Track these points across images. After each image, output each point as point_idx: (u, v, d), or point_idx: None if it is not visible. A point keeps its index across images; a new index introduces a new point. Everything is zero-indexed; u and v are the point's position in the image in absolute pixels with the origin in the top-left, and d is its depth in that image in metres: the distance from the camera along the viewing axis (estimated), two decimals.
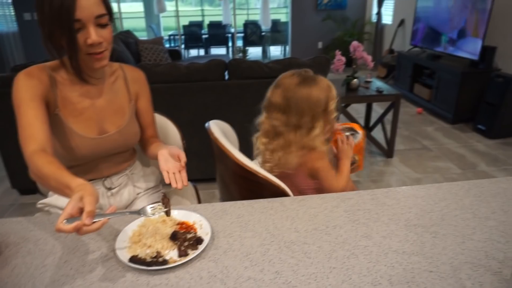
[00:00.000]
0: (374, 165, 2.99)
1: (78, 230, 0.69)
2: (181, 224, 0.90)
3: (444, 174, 2.81)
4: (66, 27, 0.90)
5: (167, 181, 0.96)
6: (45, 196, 1.27)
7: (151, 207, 0.85)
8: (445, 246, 0.80)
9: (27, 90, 0.95)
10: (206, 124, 1.27)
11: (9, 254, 0.81)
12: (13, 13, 6.03)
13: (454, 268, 0.73)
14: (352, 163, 1.27)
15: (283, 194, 1.06)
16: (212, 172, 1.33)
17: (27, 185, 2.55)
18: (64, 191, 0.79)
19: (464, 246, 0.79)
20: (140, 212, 0.84)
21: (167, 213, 0.86)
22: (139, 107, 1.21)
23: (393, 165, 2.99)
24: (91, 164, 1.13)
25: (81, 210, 0.70)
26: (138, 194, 1.26)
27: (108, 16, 0.96)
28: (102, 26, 0.95)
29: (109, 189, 1.18)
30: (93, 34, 0.93)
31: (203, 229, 0.87)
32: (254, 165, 1.08)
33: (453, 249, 0.79)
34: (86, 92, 1.08)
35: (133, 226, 0.88)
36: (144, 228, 0.87)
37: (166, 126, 1.40)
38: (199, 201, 1.39)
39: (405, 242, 0.81)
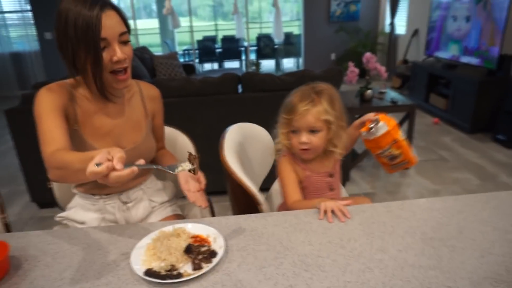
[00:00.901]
0: (390, 177, 2.94)
1: (107, 176, 0.71)
2: (195, 237, 0.90)
3: (463, 185, 2.74)
4: (92, 46, 0.93)
5: (191, 200, 0.99)
6: (63, 209, 1.30)
7: (179, 165, 0.85)
8: (463, 260, 0.78)
9: (48, 102, 0.99)
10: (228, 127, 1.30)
11: (28, 268, 0.83)
12: (35, 33, 6.26)
13: (474, 283, 0.71)
14: (394, 158, 1.09)
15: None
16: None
17: (46, 199, 2.61)
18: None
19: (483, 261, 0.77)
20: (169, 168, 0.85)
21: (194, 171, 0.85)
22: (155, 124, 1.25)
23: (410, 176, 2.93)
24: None
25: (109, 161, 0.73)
26: (153, 208, 1.27)
27: (128, 34, 1.00)
28: (124, 43, 1.00)
29: (125, 203, 1.20)
30: (118, 52, 0.97)
31: (217, 242, 0.87)
32: (238, 169, 1.10)
33: (472, 264, 0.76)
34: (105, 109, 1.11)
35: (148, 240, 0.89)
36: (158, 241, 0.88)
37: (182, 140, 1.42)
38: (213, 214, 1.39)
39: (421, 255, 0.80)
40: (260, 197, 1.10)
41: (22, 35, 6.63)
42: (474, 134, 3.75)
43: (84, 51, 0.94)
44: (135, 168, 0.74)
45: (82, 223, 1.18)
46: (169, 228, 0.93)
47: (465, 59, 4.01)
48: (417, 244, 0.84)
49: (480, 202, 1.01)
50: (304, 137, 1.08)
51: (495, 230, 0.87)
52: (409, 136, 2.94)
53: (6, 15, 6.55)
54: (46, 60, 6.31)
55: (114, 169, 0.71)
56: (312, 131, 1.09)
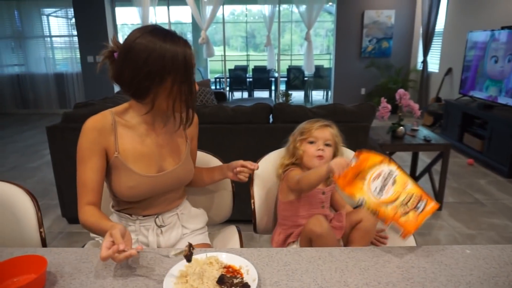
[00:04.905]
0: None
1: (114, 256, 0.82)
2: (227, 267, 0.89)
3: (501, 232, 2.59)
4: (189, 78, 1.04)
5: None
6: None
7: (176, 250, 0.88)
8: None
9: (90, 143, 1.06)
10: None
11: (63, 284, 0.84)
12: (78, 56, 6.66)
13: None
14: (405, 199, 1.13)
15: None
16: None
17: (75, 215, 2.67)
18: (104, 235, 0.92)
19: None
20: (165, 253, 0.90)
21: (189, 259, 0.86)
22: (191, 147, 1.27)
23: (442, 218, 2.81)
24: (146, 202, 1.16)
25: (113, 243, 0.84)
26: (184, 234, 1.27)
27: None
28: None
29: (160, 226, 1.20)
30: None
31: (250, 275, 0.86)
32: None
33: None
34: (148, 133, 1.14)
35: (181, 266, 0.89)
36: (191, 268, 0.87)
37: (214, 163, 1.43)
38: (241, 244, 1.37)
39: None
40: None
41: (67, 58, 7.13)
42: None
43: (173, 81, 1.01)
44: (134, 252, 0.84)
45: None
46: (202, 256, 0.93)
47: (503, 100, 3.89)
48: None
49: None
50: (322, 146, 1.30)
51: None
52: (442, 176, 2.84)
53: (54, 38, 7.09)
54: (86, 81, 6.64)
55: (119, 251, 0.83)
56: (326, 144, 1.31)
